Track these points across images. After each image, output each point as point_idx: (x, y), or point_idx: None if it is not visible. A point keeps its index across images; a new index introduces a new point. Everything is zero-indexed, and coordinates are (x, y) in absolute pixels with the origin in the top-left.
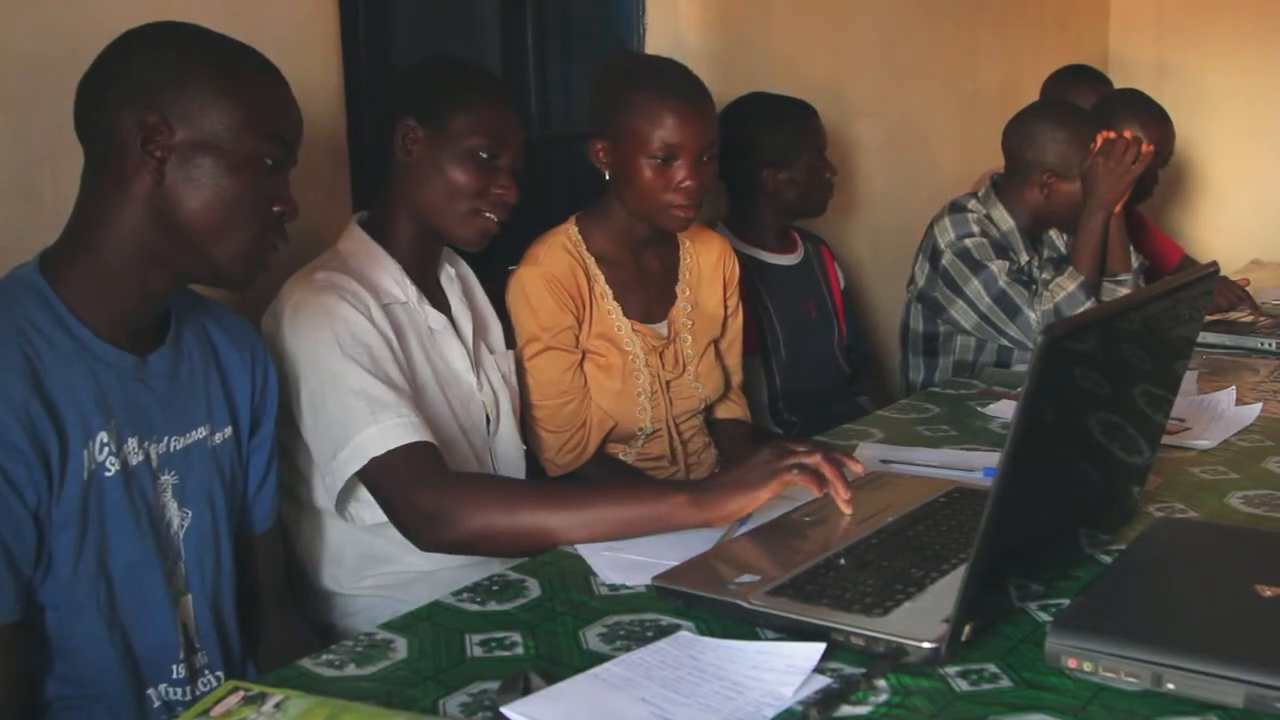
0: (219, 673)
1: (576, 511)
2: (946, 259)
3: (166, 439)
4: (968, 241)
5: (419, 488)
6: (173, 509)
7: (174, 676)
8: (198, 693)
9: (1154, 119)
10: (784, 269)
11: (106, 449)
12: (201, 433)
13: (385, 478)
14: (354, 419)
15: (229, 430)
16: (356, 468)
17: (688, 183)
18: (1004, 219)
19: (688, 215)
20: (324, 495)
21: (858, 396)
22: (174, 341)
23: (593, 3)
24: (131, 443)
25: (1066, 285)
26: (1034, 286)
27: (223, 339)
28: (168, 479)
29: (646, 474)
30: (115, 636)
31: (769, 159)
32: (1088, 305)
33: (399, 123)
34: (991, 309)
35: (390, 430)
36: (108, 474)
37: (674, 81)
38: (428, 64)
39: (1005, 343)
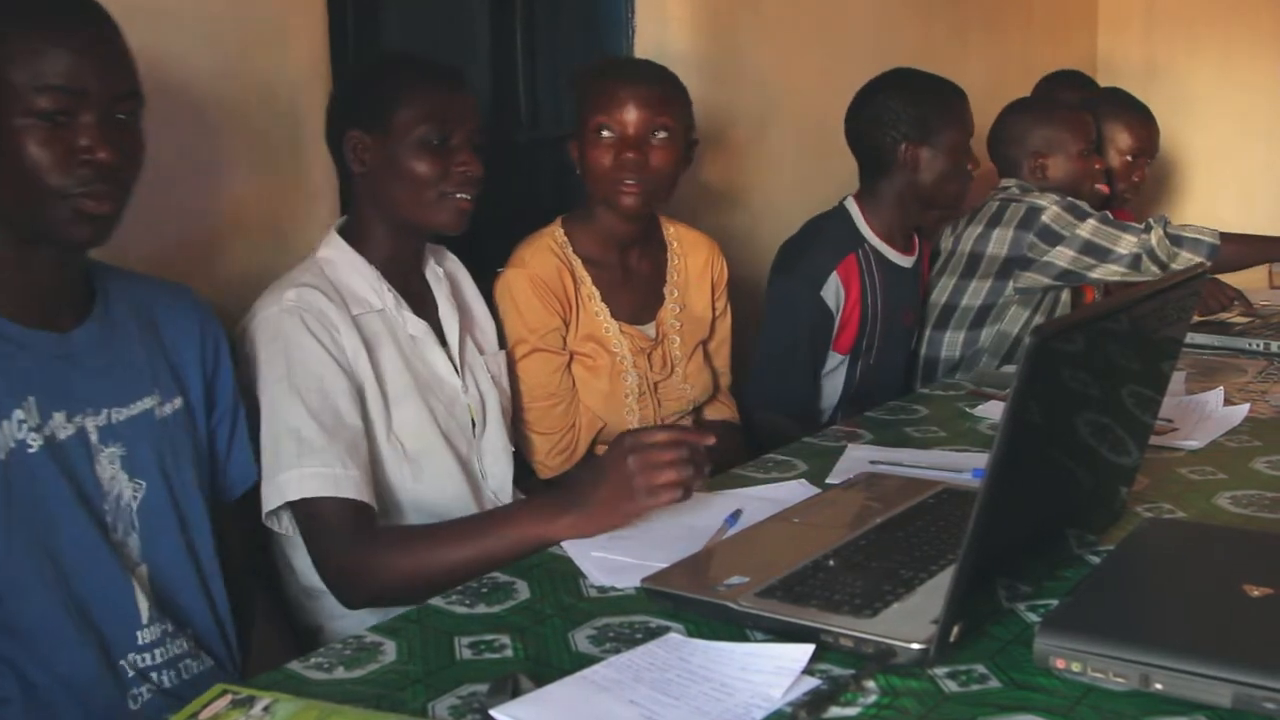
0: (183, 641)
1: (469, 544)
2: (1050, 214)
3: (105, 411)
4: (1071, 198)
5: (328, 547)
6: (123, 480)
7: (140, 643)
8: (169, 656)
9: (1139, 118)
10: (900, 271)
11: (24, 426)
12: (147, 403)
13: (306, 525)
14: (281, 457)
15: (179, 401)
16: (273, 505)
17: (627, 155)
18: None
19: (632, 193)
20: None
21: None
22: (101, 317)
23: (582, 4)
24: (58, 417)
25: (1203, 231)
26: None
27: (166, 312)
28: (114, 450)
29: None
30: (72, 613)
31: (909, 133)
32: (1199, 261)
33: (345, 138)
34: (1098, 230)
35: (308, 479)
36: (30, 450)
37: (619, 65)
38: (353, 71)
39: (1105, 273)
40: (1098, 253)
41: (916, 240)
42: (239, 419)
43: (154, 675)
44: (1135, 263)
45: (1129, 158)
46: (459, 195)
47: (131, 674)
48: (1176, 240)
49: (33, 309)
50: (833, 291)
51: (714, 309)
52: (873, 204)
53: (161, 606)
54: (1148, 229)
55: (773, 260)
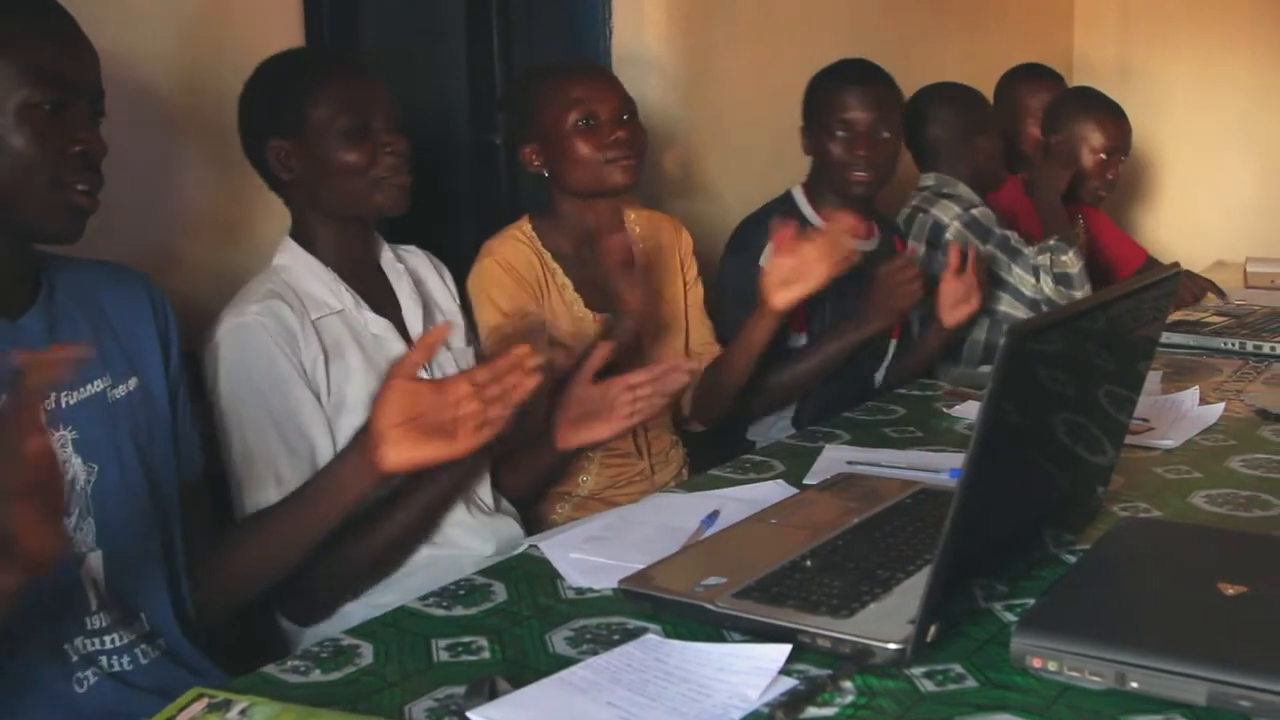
0: (140, 626)
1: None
2: (952, 230)
3: (53, 395)
4: (974, 211)
5: None
6: (76, 464)
7: (89, 628)
8: (125, 641)
9: (1111, 116)
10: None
11: None
12: (98, 386)
13: None
14: (257, 479)
15: (134, 382)
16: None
17: (617, 133)
18: (973, 196)
19: (630, 164)
20: None
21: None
22: (47, 303)
23: (558, 6)
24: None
25: (1068, 262)
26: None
27: (115, 295)
28: (65, 435)
29: None
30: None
31: (804, 121)
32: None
33: (266, 150)
34: (995, 259)
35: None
36: None
37: (569, 62)
38: (257, 81)
39: (1010, 306)
40: (994, 281)
41: (874, 225)
42: (185, 406)
43: (104, 660)
44: (1034, 306)
45: (1102, 156)
46: (395, 179)
47: (77, 658)
48: (1066, 281)
49: None
50: None
51: (684, 280)
52: (816, 189)
53: (116, 592)
54: (1037, 276)
55: None
